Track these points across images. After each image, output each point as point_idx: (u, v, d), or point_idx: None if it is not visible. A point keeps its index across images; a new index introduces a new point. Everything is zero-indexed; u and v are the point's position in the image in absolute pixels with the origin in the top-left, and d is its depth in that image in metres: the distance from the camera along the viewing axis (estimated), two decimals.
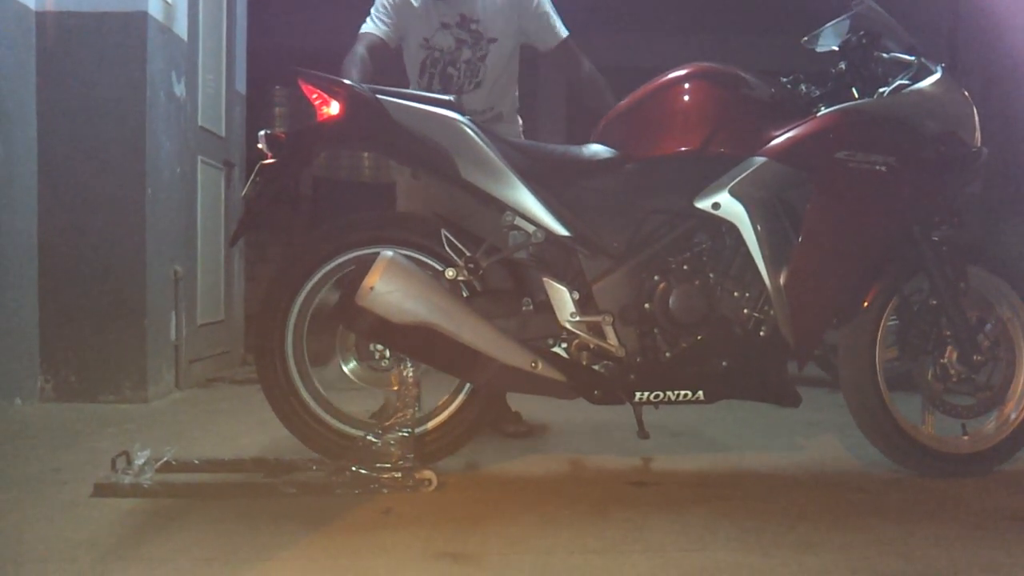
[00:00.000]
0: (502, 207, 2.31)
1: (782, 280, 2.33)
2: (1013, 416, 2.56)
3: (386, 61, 2.98)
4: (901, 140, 2.40)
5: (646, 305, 2.38)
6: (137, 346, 3.54)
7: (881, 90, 2.53)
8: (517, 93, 3.15)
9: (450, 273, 2.32)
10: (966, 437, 2.55)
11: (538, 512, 2.11)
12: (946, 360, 2.50)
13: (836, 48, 2.63)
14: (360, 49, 2.88)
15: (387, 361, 2.33)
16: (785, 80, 2.61)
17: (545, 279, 2.36)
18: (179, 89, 3.85)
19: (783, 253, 2.36)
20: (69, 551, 1.82)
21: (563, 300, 2.35)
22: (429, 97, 2.35)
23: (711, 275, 2.42)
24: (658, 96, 2.46)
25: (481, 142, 2.29)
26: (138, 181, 3.54)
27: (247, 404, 3.49)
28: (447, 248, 2.35)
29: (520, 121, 3.17)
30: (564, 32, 3.02)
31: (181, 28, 3.87)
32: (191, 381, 4.00)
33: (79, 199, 3.53)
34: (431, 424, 2.42)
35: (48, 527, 1.97)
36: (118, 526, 1.98)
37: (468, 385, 2.42)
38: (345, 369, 2.37)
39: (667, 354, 2.39)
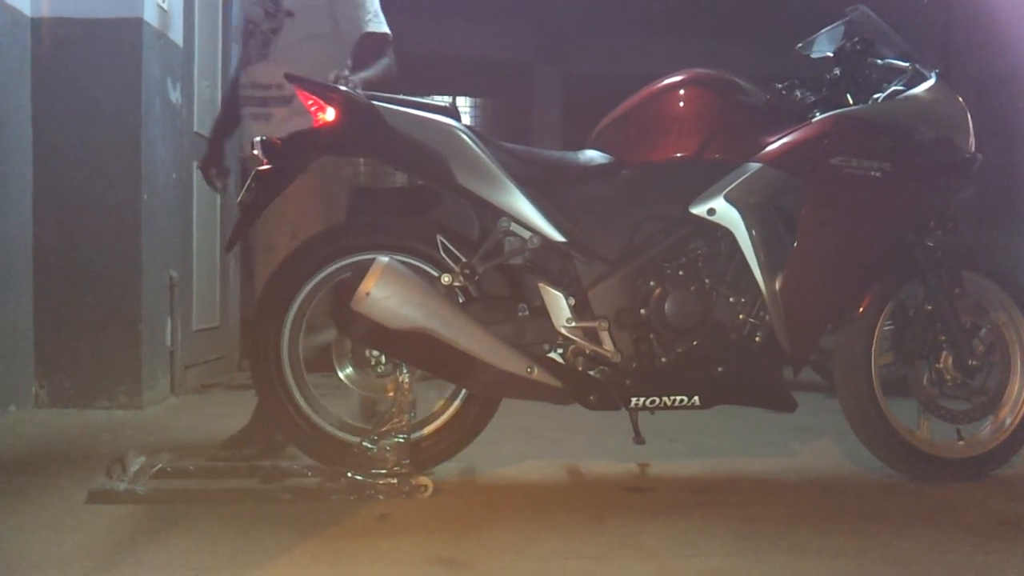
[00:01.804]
0: (498, 213, 2.31)
1: (777, 286, 2.34)
2: (1008, 421, 2.57)
3: None
4: (896, 146, 2.41)
5: (642, 311, 2.38)
6: (132, 352, 3.53)
7: (876, 96, 2.54)
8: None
9: (446, 279, 2.32)
10: (961, 442, 2.55)
11: (534, 518, 2.11)
12: (941, 365, 2.51)
13: (831, 54, 2.65)
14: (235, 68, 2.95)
15: (383, 367, 2.33)
16: (780, 86, 2.62)
17: (541, 285, 2.36)
18: (175, 95, 3.85)
19: (778, 259, 2.36)
20: (63, 558, 1.81)
21: (559, 306, 2.35)
22: (425, 103, 2.35)
23: (706, 281, 2.42)
24: (653, 102, 2.47)
25: (477, 148, 2.29)
26: (133, 186, 3.54)
27: (243, 410, 3.47)
28: (443, 254, 2.35)
29: None
30: (373, 27, 2.77)
31: (177, 34, 3.87)
32: (186, 387, 3.99)
33: (74, 204, 3.52)
34: (427, 430, 2.42)
35: (42, 534, 1.96)
36: (112, 533, 1.97)
37: (464, 391, 2.41)
38: (341, 375, 2.36)
39: (663, 360, 2.39)
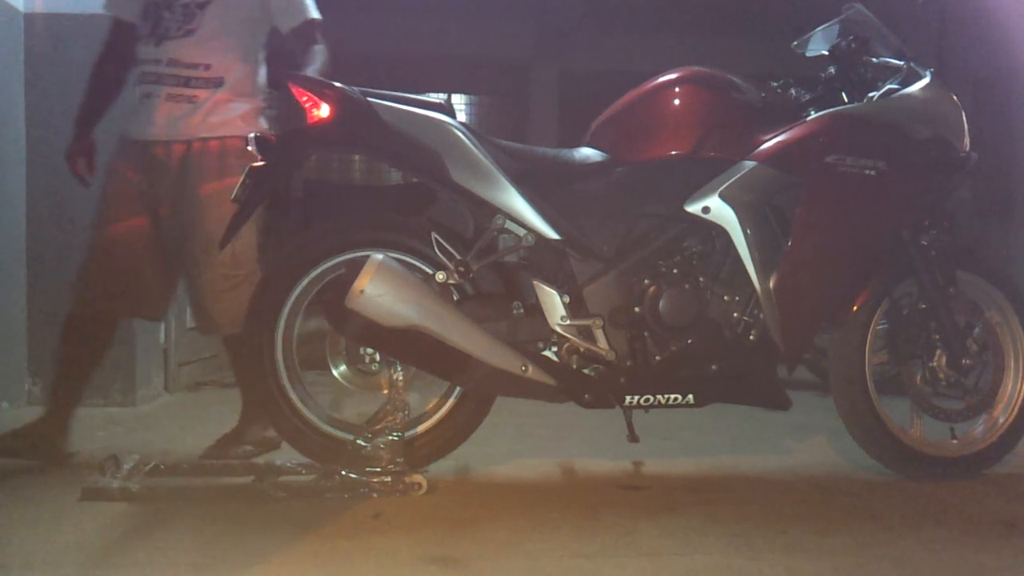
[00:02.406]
0: (493, 210, 2.31)
1: (772, 284, 2.34)
2: (1001, 420, 2.57)
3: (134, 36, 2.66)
4: (890, 144, 2.41)
5: (636, 309, 2.38)
6: (126, 349, 3.51)
7: (871, 94, 2.54)
8: (261, 79, 2.72)
9: (440, 276, 2.32)
10: (955, 441, 2.56)
11: (528, 516, 2.11)
12: (935, 364, 2.51)
13: (826, 52, 2.65)
14: (106, 42, 2.71)
15: (377, 365, 2.32)
16: (775, 84, 2.62)
17: (535, 282, 2.36)
18: None
19: (773, 257, 2.36)
20: (56, 556, 1.81)
21: (553, 304, 2.35)
22: (420, 100, 2.35)
23: (701, 279, 2.42)
24: (648, 100, 2.47)
25: (472, 145, 2.28)
26: None
27: (236, 408, 3.47)
28: (437, 251, 2.34)
29: (262, 118, 2.69)
30: (314, 14, 2.65)
31: None
32: (180, 385, 3.98)
33: (68, 202, 3.49)
34: (421, 428, 2.42)
35: (35, 531, 1.95)
36: (105, 531, 1.97)
37: (458, 389, 2.41)
38: (335, 372, 2.36)
39: (657, 358, 2.39)
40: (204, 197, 2.55)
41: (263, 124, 2.65)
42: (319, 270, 2.39)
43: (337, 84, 2.27)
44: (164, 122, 2.57)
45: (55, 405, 2.62)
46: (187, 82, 2.56)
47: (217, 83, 2.58)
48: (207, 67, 2.57)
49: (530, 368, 2.28)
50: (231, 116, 2.58)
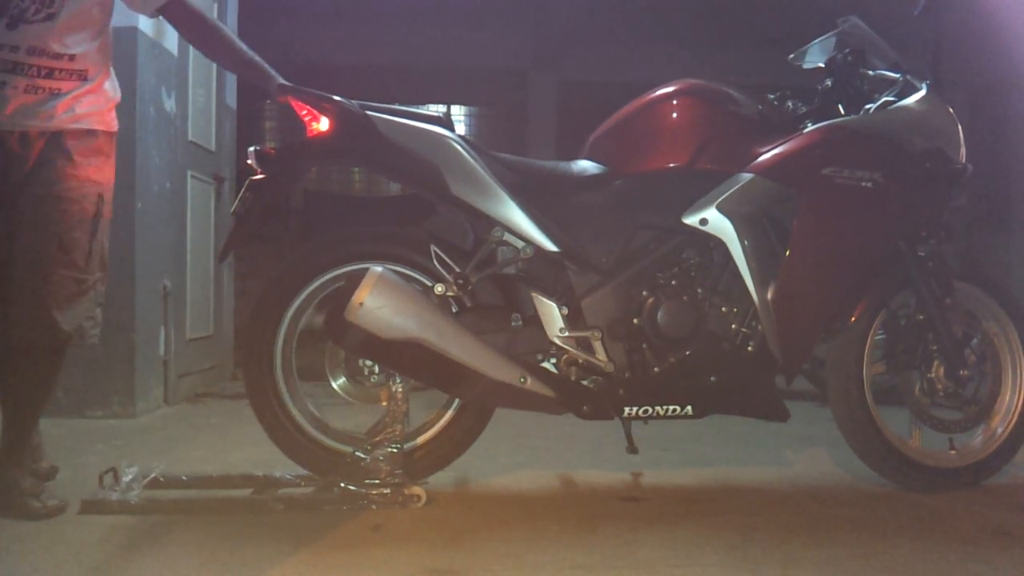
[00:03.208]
0: (491, 223, 2.32)
1: (769, 295, 2.35)
2: (1000, 430, 2.57)
3: None
4: (887, 156, 2.43)
5: (634, 320, 2.39)
6: (125, 361, 3.52)
7: (867, 107, 2.56)
8: (115, 82, 2.49)
9: (439, 289, 2.32)
10: (953, 451, 2.56)
11: (528, 528, 2.11)
12: (933, 374, 2.52)
13: (823, 65, 2.67)
14: None
15: (376, 377, 2.33)
16: (772, 96, 2.64)
17: (534, 294, 2.37)
18: (169, 104, 3.85)
19: (770, 269, 2.37)
20: (55, 568, 1.81)
21: (552, 315, 2.35)
22: (419, 114, 2.36)
23: (699, 291, 2.43)
24: (646, 112, 2.48)
25: (470, 158, 2.29)
26: (127, 196, 3.53)
27: (236, 419, 3.48)
28: (436, 264, 2.35)
29: (112, 107, 2.46)
30: None
31: (171, 43, 3.87)
32: (180, 396, 3.98)
33: None
34: (420, 440, 2.42)
35: (34, 544, 1.95)
36: (105, 543, 1.97)
37: (457, 401, 2.42)
38: (334, 385, 2.37)
39: (656, 369, 2.39)
40: (65, 191, 2.30)
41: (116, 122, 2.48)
42: (318, 282, 2.39)
43: (336, 98, 2.28)
44: (17, 112, 2.26)
45: (6, 444, 2.33)
46: (51, 73, 2.28)
47: (82, 76, 2.33)
48: (71, 58, 2.30)
49: (529, 380, 2.28)
50: (101, 109, 2.39)
